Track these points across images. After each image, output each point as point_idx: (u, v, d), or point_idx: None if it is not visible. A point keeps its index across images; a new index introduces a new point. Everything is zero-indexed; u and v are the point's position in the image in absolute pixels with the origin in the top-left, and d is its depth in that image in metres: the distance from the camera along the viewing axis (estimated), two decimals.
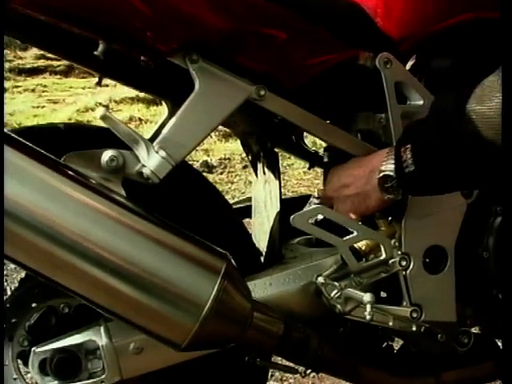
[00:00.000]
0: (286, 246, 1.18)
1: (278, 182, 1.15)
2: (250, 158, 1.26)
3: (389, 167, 0.96)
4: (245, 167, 3.83)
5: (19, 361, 1.03)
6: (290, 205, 1.27)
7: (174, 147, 0.94)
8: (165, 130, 0.95)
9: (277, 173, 1.16)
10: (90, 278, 0.83)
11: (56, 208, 0.82)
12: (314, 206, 1.04)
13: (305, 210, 1.03)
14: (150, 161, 0.91)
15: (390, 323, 1.06)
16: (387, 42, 1.11)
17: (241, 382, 1.15)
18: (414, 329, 1.09)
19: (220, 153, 4.12)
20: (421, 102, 1.10)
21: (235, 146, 4.11)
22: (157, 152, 0.92)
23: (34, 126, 1.14)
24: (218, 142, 4.30)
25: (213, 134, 4.53)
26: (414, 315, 1.10)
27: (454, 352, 1.16)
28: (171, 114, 1.13)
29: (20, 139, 0.85)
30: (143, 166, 0.92)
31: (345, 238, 1.04)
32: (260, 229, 1.23)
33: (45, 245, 0.81)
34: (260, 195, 1.24)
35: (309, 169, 1.34)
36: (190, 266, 0.86)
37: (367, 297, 0.96)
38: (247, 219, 1.29)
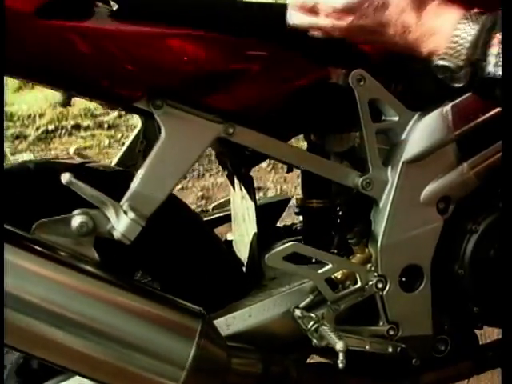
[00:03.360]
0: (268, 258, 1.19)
1: (253, 203, 1.15)
2: (226, 172, 1.25)
3: None
4: None
5: None
6: (269, 210, 1.28)
7: (143, 203, 0.94)
8: (133, 185, 0.95)
9: (252, 194, 1.16)
10: (70, 352, 0.85)
11: (29, 287, 0.83)
12: (286, 245, 1.05)
13: (278, 249, 1.04)
14: (120, 223, 0.91)
15: (367, 347, 1.09)
16: (359, 57, 1.09)
17: None
18: (391, 350, 1.12)
19: None
20: (396, 118, 1.10)
21: None
22: (125, 213, 0.91)
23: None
24: None
25: None
26: (391, 333, 1.13)
27: (432, 358, 1.20)
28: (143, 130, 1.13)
29: None
30: (113, 227, 0.92)
31: (320, 271, 1.06)
32: (240, 240, 1.25)
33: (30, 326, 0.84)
34: (238, 207, 1.25)
35: (287, 172, 1.34)
36: (168, 333, 0.90)
37: (340, 345, 0.98)
38: None
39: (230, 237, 1.39)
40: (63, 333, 0.84)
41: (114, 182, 1.04)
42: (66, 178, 0.88)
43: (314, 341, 1.04)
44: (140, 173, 0.96)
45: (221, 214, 1.37)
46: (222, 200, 1.40)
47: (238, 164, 1.17)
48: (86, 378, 0.91)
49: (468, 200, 1.14)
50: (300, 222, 1.28)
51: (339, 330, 1.06)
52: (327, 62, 1.07)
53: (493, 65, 0.84)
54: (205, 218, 1.34)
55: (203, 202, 2.75)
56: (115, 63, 0.91)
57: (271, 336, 1.09)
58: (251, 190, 1.17)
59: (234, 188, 1.25)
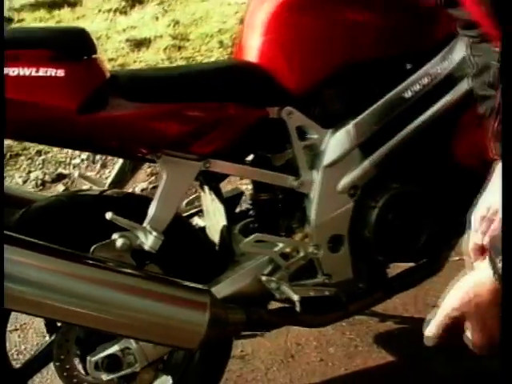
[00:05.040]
0: (235, 242, 1.67)
1: (222, 205, 1.65)
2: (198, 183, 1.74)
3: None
4: None
5: None
6: (230, 202, 1.77)
7: (159, 224, 1.43)
8: (150, 212, 1.44)
9: (222, 199, 1.66)
10: (129, 324, 1.36)
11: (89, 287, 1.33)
12: (254, 235, 1.55)
13: (249, 238, 1.54)
14: (148, 240, 1.40)
15: (311, 293, 1.62)
16: (287, 97, 1.58)
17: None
18: (327, 293, 1.65)
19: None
20: (316, 136, 1.60)
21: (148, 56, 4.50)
22: (150, 232, 1.41)
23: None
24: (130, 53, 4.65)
25: (125, 45, 4.88)
26: (327, 281, 1.66)
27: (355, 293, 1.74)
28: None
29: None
30: (143, 243, 1.41)
31: (275, 249, 1.57)
32: (213, 228, 1.73)
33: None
34: (209, 205, 1.73)
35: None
36: (190, 306, 1.40)
37: (295, 297, 1.51)
38: None
39: (200, 223, 1.87)
40: (122, 313, 1.34)
41: (130, 205, 1.52)
42: (109, 215, 1.36)
43: (277, 295, 1.57)
44: (153, 203, 1.44)
45: (193, 210, 1.85)
46: (191, 198, 1.88)
47: (210, 180, 1.65)
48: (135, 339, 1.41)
49: (369, 185, 1.66)
50: (248, 208, 1.78)
51: (292, 285, 1.58)
52: (265, 105, 1.55)
53: None
54: (184, 214, 1.83)
55: (153, 178, 3.21)
56: (130, 134, 1.39)
57: (247, 296, 1.60)
58: (221, 197, 1.66)
59: (204, 192, 1.73)
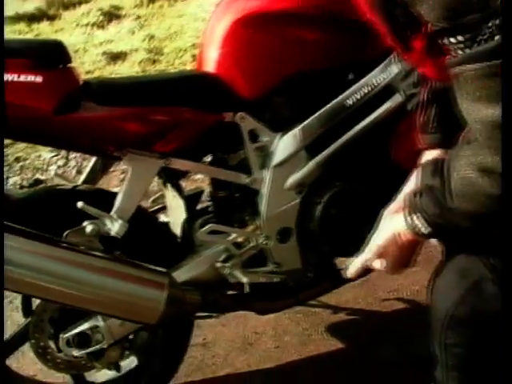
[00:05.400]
0: (195, 235, 1.86)
1: (183, 201, 1.83)
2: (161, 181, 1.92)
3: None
4: None
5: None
6: (191, 199, 1.96)
7: (124, 213, 1.62)
8: (117, 203, 1.63)
9: (182, 195, 1.84)
10: (98, 300, 1.54)
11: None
12: (209, 225, 1.74)
13: (204, 228, 1.73)
14: (114, 227, 1.59)
15: (261, 279, 1.81)
16: (241, 103, 1.77)
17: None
18: (276, 280, 1.84)
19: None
20: (266, 139, 1.79)
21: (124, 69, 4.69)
22: (116, 220, 1.59)
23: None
24: (107, 66, 4.84)
25: (102, 57, 5.06)
26: (276, 269, 1.85)
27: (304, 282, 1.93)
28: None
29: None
30: (110, 229, 1.59)
31: (229, 239, 1.76)
32: (175, 222, 1.91)
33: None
34: (171, 202, 1.92)
35: None
36: (152, 285, 1.58)
37: (245, 279, 1.70)
38: None
39: (164, 219, 2.05)
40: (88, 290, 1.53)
41: (99, 198, 1.70)
42: (80, 204, 1.55)
43: (230, 280, 1.76)
44: (119, 195, 1.63)
45: (158, 206, 2.04)
46: (157, 196, 2.07)
47: (171, 178, 1.84)
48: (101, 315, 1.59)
49: (315, 183, 1.85)
50: (207, 205, 1.97)
51: (245, 272, 1.77)
52: (221, 110, 1.75)
53: None
54: (150, 210, 2.02)
55: None
56: (100, 134, 1.58)
57: (204, 280, 1.79)
58: (182, 193, 1.85)
59: (167, 190, 1.92)
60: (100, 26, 6.22)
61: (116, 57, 5.08)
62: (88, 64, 4.99)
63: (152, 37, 5.41)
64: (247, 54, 1.76)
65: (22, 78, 1.48)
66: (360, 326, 2.38)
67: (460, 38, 0.89)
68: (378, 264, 1.25)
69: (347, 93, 1.81)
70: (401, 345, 2.16)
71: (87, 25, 6.21)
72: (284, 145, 1.79)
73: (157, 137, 1.64)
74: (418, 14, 0.95)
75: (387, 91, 1.82)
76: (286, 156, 1.79)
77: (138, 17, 6.25)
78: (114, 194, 1.69)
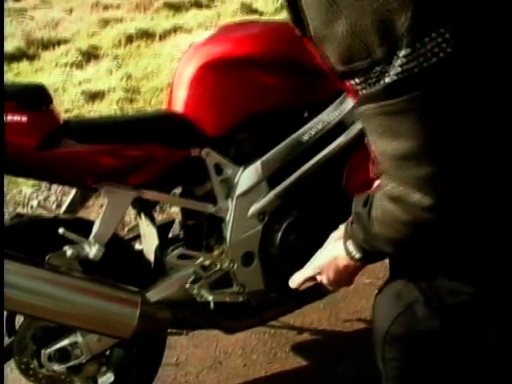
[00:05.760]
0: (166, 259, 2.04)
1: (155, 229, 2.01)
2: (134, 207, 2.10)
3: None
4: None
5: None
6: (164, 228, 2.14)
7: (102, 238, 1.80)
8: (94, 229, 1.80)
9: (155, 224, 2.03)
10: (77, 316, 1.71)
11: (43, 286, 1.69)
12: (178, 250, 1.93)
13: (174, 252, 1.92)
14: (92, 251, 1.77)
15: (227, 299, 1.99)
16: (206, 140, 1.96)
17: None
18: (241, 300, 2.02)
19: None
20: (230, 171, 1.98)
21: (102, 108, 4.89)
22: (94, 245, 1.77)
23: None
24: (85, 105, 5.03)
25: (80, 97, 5.25)
26: (241, 290, 2.03)
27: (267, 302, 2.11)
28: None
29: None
30: (88, 253, 1.77)
31: (196, 262, 1.94)
32: (149, 249, 2.09)
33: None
34: (145, 230, 2.10)
35: None
36: (125, 303, 1.76)
37: (210, 298, 1.88)
38: None
39: (138, 247, 2.23)
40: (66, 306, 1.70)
41: (78, 226, 1.88)
42: (61, 231, 1.73)
43: (198, 299, 1.93)
44: (97, 222, 1.81)
45: (133, 235, 2.22)
46: (132, 225, 2.25)
47: (144, 208, 2.03)
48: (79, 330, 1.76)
49: (275, 211, 2.04)
50: (178, 232, 2.15)
51: (212, 292, 1.95)
52: (188, 146, 1.94)
53: None
54: (126, 237, 2.20)
55: None
56: (79, 168, 1.77)
57: (175, 300, 1.96)
58: (154, 222, 2.03)
59: (141, 219, 2.10)
60: (79, 65, 6.40)
61: (94, 96, 5.26)
62: (67, 103, 5.15)
63: (129, 76, 5.60)
64: (211, 95, 1.95)
65: (9, 118, 1.66)
66: (323, 346, 2.56)
67: (356, 80, 0.98)
68: (318, 278, 1.41)
69: (303, 129, 2.00)
70: (361, 362, 2.33)
71: (66, 65, 6.38)
72: (246, 177, 1.98)
73: (130, 171, 1.83)
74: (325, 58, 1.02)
75: (340, 127, 2.01)
76: (249, 187, 1.98)
77: (116, 56, 6.44)
78: (92, 222, 1.87)
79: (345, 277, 1.35)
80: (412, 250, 1.20)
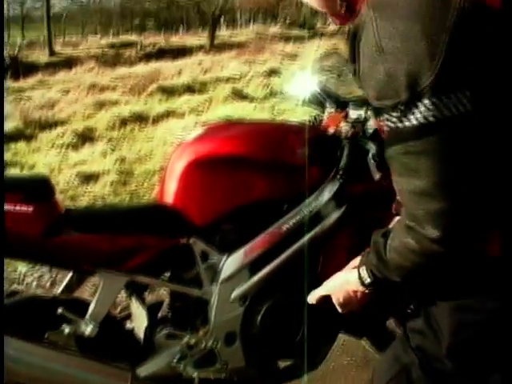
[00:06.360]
0: (155, 338, 2.20)
1: (145, 312, 2.19)
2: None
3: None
4: None
5: None
6: (153, 309, 2.31)
7: (96, 318, 1.98)
8: (90, 309, 1.99)
9: (144, 307, 2.20)
10: None
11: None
12: (165, 331, 2.10)
13: (162, 333, 2.09)
14: (87, 329, 1.95)
15: (212, 376, 2.16)
16: (194, 229, 2.16)
17: None
18: (223, 376, 2.18)
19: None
20: (215, 258, 2.18)
21: (96, 189, 5.11)
22: (89, 324, 1.95)
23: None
24: (80, 186, 5.26)
25: (75, 178, 5.47)
26: (224, 367, 2.19)
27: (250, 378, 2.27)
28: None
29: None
30: (85, 330, 1.95)
31: (182, 342, 2.12)
32: (139, 328, 2.26)
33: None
34: (136, 311, 2.27)
35: None
36: (118, 377, 1.93)
37: (195, 374, 2.05)
38: None
39: (129, 326, 2.40)
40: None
41: (75, 305, 2.06)
42: (60, 310, 1.91)
43: (184, 375, 2.10)
44: (92, 303, 2.00)
45: (125, 314, 2.39)
46: (124, 305, 2.43)
47: (136, 290, 2.21)
48: None
49: (256, 295, 2.22)
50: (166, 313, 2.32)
51: (197, 369, 2.12)
52: (177, 235, 2.14)
53: None
54: (118, 317, 2.37)
55: None
56: (77, 255, 1.96)
57: (163, 376, 2.13)
58: (144, 304, 2.21)
59: (131, 301, 2.28)
60: (74, 146, 6.64)
61: (89, 177, 5.50)
62: (62, 183, 5.38)
63: (123, 159, 5.85)
64: (199, 189, 2.15)
65: (16, 208, 1.87)
66: None
67: (385, 115, 1.18)
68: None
69: (283, 220, 2.19)
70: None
71: (62, 146, 6.62)
72: (230, 264, 2.16)
73: (123, 258, 2.02)
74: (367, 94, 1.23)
75: (316, 218, 2.21)
76: (232, 273, 2.16)
77: (110, 139, 6.71)
78: (88, 303, 2.05)
79: (354, 301, 1.51)
80: (416, 280, 1.39)
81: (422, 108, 1.12)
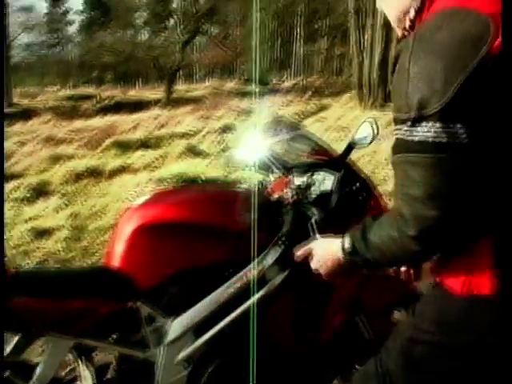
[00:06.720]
0: None
1: (90, 376, 2.24)
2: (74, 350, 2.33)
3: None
4: None
5: None
6: (96, 372, 2.35)
7: (42, 380, 2.03)
8: (37, 372, 2.03)
9: (91, 370, 2.25)
10: None
11: None
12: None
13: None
14: None
15: None
16: (139, 293, 2.23)
17: None
18: None
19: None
20: (160, 321, 2.24)
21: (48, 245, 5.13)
22: None
23: None
24: (32, 241, 5.27)
25: (28, 233, 5.48)
26: None
27: None
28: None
29: None
30: None
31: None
32: None
33: None
34: (83, 372, 2.31)
35: None
36: None
37: None
38: None
39: None
40: None
41: (22, 368, 2.10)
42: (6, 374, 1.95)
43: None
44: (39, 366, 2.06)
45: (71, 377, 2.43)
46: (71, 368, 2.47)
47: (82, 353, 2.26)
48: None
49: (199, 358, 2.28)
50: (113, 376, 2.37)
51: None
52: (124, 299, 2.20)
53: None
54: (65, 378, 2.41)
55: None
56: (25, 318, 2.01)
57: None
58: (92, 365, 2.26)
59: (78, 363, 2.32)
60: (29, 201, 6.63)
61: (42, 233, 5.50)
62: (16, 239, 5.37)
63: (76, 215, 5.88)
64: (145, 253, 2.23)
65: None
66: None
67: (397, 126, 1.39)
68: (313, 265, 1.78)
69: (227, 284, 2.27)
70: None
71: (16, 199, 6.61)
72: (175, 326, 2.23)
73: (71, 321, 2.08)
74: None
75: (261, 281, 2.29)
76: (177, 336, 2.23)
77: (64, 194, 6.72)
78: (35, 366, 2.09)
79: (329, 265, 1.70)
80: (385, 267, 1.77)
81: (426, 128, 1.32)
